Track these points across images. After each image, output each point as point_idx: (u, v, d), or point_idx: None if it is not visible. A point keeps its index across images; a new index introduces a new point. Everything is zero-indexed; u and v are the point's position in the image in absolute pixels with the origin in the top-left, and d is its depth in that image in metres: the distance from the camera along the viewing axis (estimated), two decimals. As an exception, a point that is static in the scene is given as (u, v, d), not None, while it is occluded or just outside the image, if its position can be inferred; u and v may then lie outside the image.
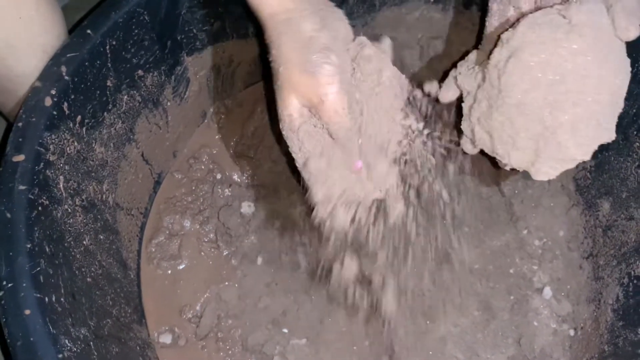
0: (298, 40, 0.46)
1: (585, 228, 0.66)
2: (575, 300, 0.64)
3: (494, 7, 0.54)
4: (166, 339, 0.63)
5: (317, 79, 0.45)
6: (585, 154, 0.49)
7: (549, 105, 0.47)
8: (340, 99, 0.45)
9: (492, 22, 0.54)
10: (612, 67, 0.46)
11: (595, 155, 0.64)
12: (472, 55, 0.56)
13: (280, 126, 0.50)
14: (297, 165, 0.52)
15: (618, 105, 0.48)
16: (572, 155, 0.48)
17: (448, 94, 0.56)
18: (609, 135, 0.48)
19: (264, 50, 0.69)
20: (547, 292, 0.64)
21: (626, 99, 0.59)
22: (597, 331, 0.61)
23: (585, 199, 0.66)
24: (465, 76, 0.54)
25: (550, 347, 0.62)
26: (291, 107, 0.48)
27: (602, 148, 0.62)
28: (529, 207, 0.67)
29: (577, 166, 0.66)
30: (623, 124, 0.60)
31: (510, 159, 0.51)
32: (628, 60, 0.48)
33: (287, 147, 0.51)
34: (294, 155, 0.51)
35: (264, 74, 0.74)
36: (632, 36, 0.46)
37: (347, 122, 0.47)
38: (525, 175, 0.68)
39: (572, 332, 0.63)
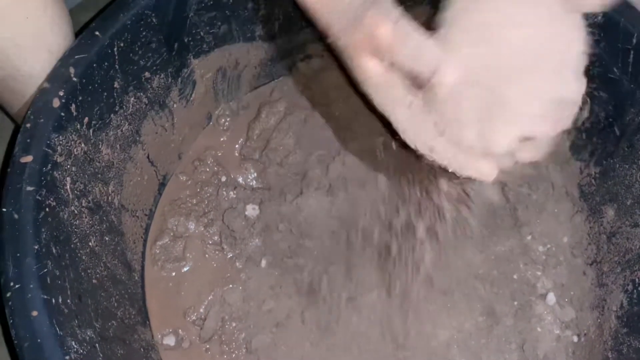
0: (343, 7, 0.45)
1: (589, 234, 0.66)
2: (579, 307, 0.64)
3: None
4: (170, 341, 0.63)
5: (365, 25, 0.43)
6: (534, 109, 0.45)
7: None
8: (387, 23, 0.43)
9: None
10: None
11: (600, 162, 0.64)
12: None
13: (364, 89, 0.48)
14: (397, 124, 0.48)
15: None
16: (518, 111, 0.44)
17: None
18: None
19: (270, 53, 0.69)
20: (551, 298, 0.64)
21: (631, 106, 0.59)
22: (600, 338, 0.61)
23: (590, 206, 0.66)
24: None
25: (553, 353, 0.62)
26: (364, 66, 0.46)
27: (607, 155, 0.63)
28: (533, 213, 0.67)
29: (581, 172, 0.67)
30: (628, 132, 0.60)
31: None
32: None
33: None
34: (380, 108, 0.48)
35: (269, 75, 0.74)
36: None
37: (405, 37, 0.43)
38: (530, 180, 0.68)
39: (575, 339, 0.63)
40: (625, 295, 0.60)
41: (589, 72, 0.61)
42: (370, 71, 0.46)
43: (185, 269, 0.66)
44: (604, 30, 0.59)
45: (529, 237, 0.66)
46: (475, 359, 0.62)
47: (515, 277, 0.65)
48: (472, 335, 0.63)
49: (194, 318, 0.64)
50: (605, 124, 0.62)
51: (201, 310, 0.64)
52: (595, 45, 0.60)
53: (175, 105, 0.67)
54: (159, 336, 0.63)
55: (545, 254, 0.66)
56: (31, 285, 0.44)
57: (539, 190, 0.68)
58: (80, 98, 0.53)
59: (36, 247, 0.46)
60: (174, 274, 0.66)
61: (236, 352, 0.62)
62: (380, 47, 0.44)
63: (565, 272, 0.65)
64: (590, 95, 0.63)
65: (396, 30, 0.43)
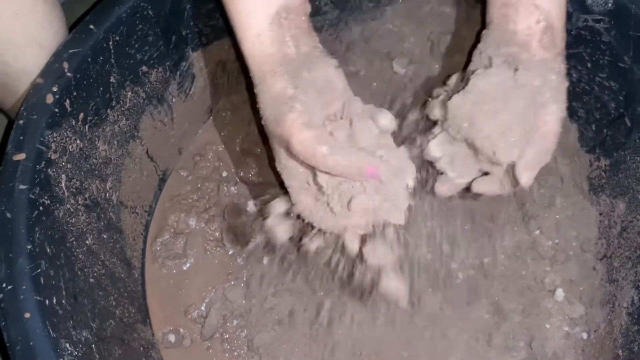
0: (270, 98, 0.49)
1: (599, 229, 0.64)
2: (588, 303, 0.62)
3: (474, 59, 0.56)
4: (171, 339, 0.62)
5: (283, 126, 0.48)
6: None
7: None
8: (302, 134, 0.47)
9: (470, 69, 0.56)
10: None
11: (610, 154, 0.62)
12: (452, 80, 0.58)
13: (275, 165, 0.54)
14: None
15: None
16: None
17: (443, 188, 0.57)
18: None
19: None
20: (560, 294, 0.63)
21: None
22: (611, 335, 0.59)
23: (600, 199, 0.64)
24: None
25: (562, 351, 0.60)
26: (279, 153, 0.52)
27: (618, 147, 0.61)
28: (541, 207, 0.65)
29: (591, 165, 0.65)
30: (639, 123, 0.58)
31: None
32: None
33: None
34: (287, 188, 0.53)
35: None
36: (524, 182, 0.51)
37: (319, 149, 0.47)
38: (538, 174, 0.67)
39: (585, 336, 0.61)
40: (636, 292, 0.58)
41: (598, 63, 0.60)
42: (281, 158, 0.52)
43: (186, 266, 0.65)
44: (614, 18, 0.57)
45: (537, 232, 0.65)
46: (482, 357, 0.60)
47: (523, 272, 0.64)
48: (479, 332, 0.61)
49: (195, 316, 0.63)
50: (616, 115, 0.60)
51: (202, 307, 0.63)
52: (606, 33, 0.58)
53: (174, 100, 0.66)
54: (160, 334, 0.62)
55: (554, 249, 0.64)
56: (24, 287, 0.43)
57: (548, 184, 0.66)
58: (74, 93, 0.52)
59: (29, 247, 0.45)
60: (174, 271, 0.65)
61: (238, 350, 0.61)
62: (293, 152, 0.48)
63: (575, 268, 0.63)
64: (600, 85, 0.61)
65: (307, 142, 0.47)
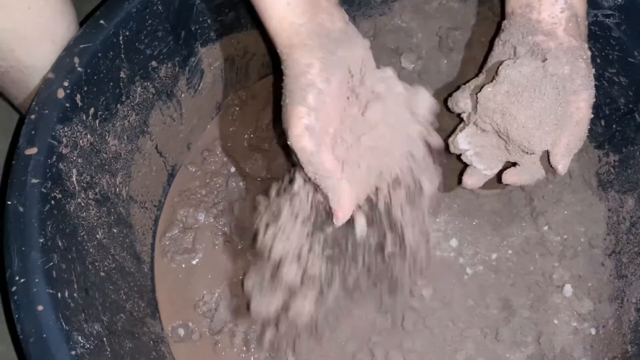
0: (294, 74, 0.47)
1: (608, 224, 0.64)
2: (597, 299, 0.62)
3: (497, 49, 0.56)
4: (180, 333, 0.62)
5: (289, 111, 0.47)
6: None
7: None
8: (302, 138, 0.46)
9: (492, 60, 0.56)
10: None
11: (619, 149, 0.62)
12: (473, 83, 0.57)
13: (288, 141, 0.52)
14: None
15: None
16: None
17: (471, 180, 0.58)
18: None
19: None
20: (568, 289, 0.62)
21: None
22: (619, 331, 0.59)
23: (609, 195, 0.64)
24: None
25: (570, 347, 0.60)
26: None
27: (627, 142, 0.61)
28: (549, 203, 0.65)
29: (600, 160, 0.65)
30: (650, 118, 0.58)
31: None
32: None
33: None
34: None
35: (275, 67, 0.73)
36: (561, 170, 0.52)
37: (308, 166, 0.47)
38: (547, 170, 0.66)
39: (593, 331, 0.61)
40: (645, 288, 0.58)
41: (607, 58, 0.60)
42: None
43: (195, 261, 0.65)
44: (624, 13, 0.57)
45: (546, 228, 0.65)
46: (491, 352, 0.60)
47: (531, 268, 0.64)
48: (487, 327, 0.61)
49: (204, 310, 0.63)
50: (625, 110, 0.60)
51: (211, 302, 0.63)
52: (616, 29, 0.58)
53: (183, 95, 0.66)
54: (169, 328, 0.62)
55: (562, 244, 0.64)
56: (36, 280, 0.43)
57: (556, 179, 0.66)
58: (85, 88, 0.52)
59: (41, 240, 0.45)
60: (183, 265, 0.65)
61: (246, 344, 0.61)
62: (286, 137, 0.48)
63: (583, 263, 0.63)
64: (609, 80, 0.61)
65: (300, 149, 0.47)
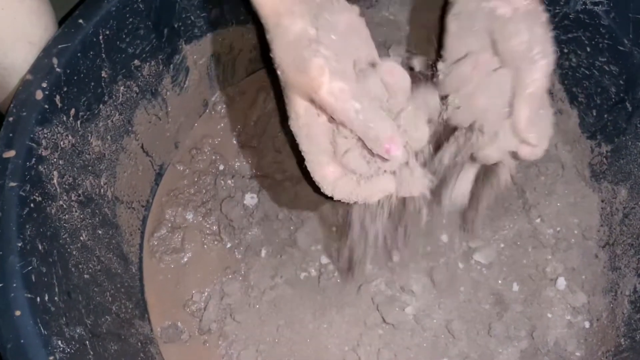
0: (288, 41, 0.45)
1: (601, 216, 0.63)
2: (590, 291, 0.61)
3: (452, 26, 0.54)
4: (169, 333, 0.62)
5: (308, 74, 0.44)
6: None
7: None
8: (334, 85, 0.44)
9: (450, 43, 0.55)
10: None
11: (611, 139, 0.61)
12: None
13: (289, 123, 0.50)
14: (307, 164, 0.50)
15: None
16: None
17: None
18: None
19: (263, 36, 0.67)
20: (561, 282, 0.62)
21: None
22: (613, 323, 0.58)
23: (602, 186, 0.63)
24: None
25: (564, 340, 0.60)
26: (296, 105, 0.48)
27: (619, 132, 0.60)
28: (542, 195, 0.64)
29: (592, 151, 0.64)
30: (641, 107, 0.57)
31: None
32: None
33: (295, 142, 0.50)
34: (304, 154, 0.50)
35: (265, 59, 0.72)
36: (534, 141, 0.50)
37: (352, 103, 0.44)
38: (539, 162, 0.66)
39: (587, 324, 0.60)
40: (638, 279, 0.57)
41: (597, 47, 0.59)
42: (302, 114, 0.47)
43: (184, 260, 0.65)
44: (613, 0, 0.56)
45: (538, 220, 0.64)
46: (483, 347, 0.60)
47: (524, 261, 0.63)
48: (480, 322, 0.61)
49: (193, 309, 0.62)
50: (616, 100, 0.59)
51: (201, 301, 0.63)
52: (605, 16, 0.57)
53: (168, 93, 0.65)
54: (158, 329, 0.62)
55: (555, 237, 0.63)
56: (14, 284, 0.43)
57: (549, 171, 0.65)
58: (65, 89, 0.52)
59: (20, 244, 0.44)
60: (172, 265, 0.65)
61: (235, 343, 0.60)
62: (321, 103, 0.44)
63: (576, 256, 0.63)
64: (600, 69, 0.60)
65: (341, 95, 0.43)
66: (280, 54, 0.46)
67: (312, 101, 0.46)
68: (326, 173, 0.48)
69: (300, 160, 0.56)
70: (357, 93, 0.44)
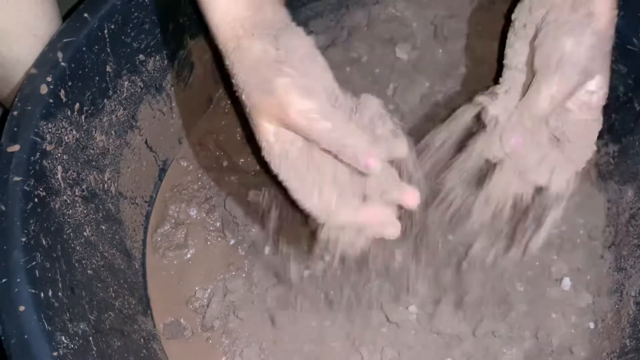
0: (250, 63, 0.44)
1: (607, 216, 0.63)
2: (595, 292, 0.61)
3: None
4: (172, 330, 0.61)
5: (274, 94, 0.43)
6: None
7: None
8: (303, 104, 0.42)
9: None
10: None
11: (619, 139, 0.61)
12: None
13: (262, 154, 0.47)
14: (292, 196, 0.47)
15: None
16: None
17: None
18: None
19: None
20: (566, 283, 0.61)
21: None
22: (618, 324, 0.58)
23: (608, 186, 0.63)
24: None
25: (569, 341, 0.59)
26: (265, 132, 0.45)
27: (626, 132, 0.60)
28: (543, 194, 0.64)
29: (599, 151, 0.64)
30: (649, 107, 0.57)
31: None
32: None
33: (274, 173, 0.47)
34: (284, 183, 0.47)
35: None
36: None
37: (324, 123, 0.42)
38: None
39: (592, 325, 0.60)
40: (644, 280, 0.57)
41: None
42: (274, 141, 0.45)
43: (187, 257, 0.65)
44: (622, -1, 0.56)
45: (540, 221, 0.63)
46: (487, 348, 0.59)
47: (529, 261, 0.62)
48: (484, 322, 0.60)
49: (196, 306, 0.62)
50: (624, 99, 0.59)
51: (204, 298, 0.63)
52: (614, 15, 0.57)
53: (173, 89, 0.65)
54: (161, 325, 0.61)
55: (561, 237, 0.63)
56: (18, 280, 0.42)
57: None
58: (69, 83, 0.51)
59: (24, 239, 0.44)
60: (175, 262, 0.64)
61: (238, 340, 0.60)
62: (292, 124, 0.43)
63: (582, 256, 0.62)
64: (608, 68, 0.59)
65: (311, 114, 0.42)
66: (243, 77, 0.45)
67: (283, 124, 0.44)
68: (316, 202, 0.46)
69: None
70: (327, 111, 0.43)
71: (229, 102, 0.71)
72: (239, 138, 0.69)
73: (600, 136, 0.62)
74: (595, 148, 0.50)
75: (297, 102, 0.42)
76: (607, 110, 0.61)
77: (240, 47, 0.44)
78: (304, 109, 0.42)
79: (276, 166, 0.46)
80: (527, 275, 0.62)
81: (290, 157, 0.45)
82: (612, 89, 0.59)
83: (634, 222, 0.59)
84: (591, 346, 0.59)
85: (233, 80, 0.46)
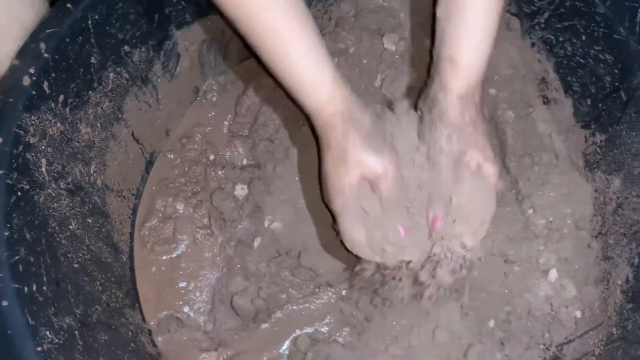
0: (362, 128, 0.54)
1: (594, 206, 0.63)
2: (583, 281, 0.61)
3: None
4: (162, 324, 0.61)
5: (382, 155, 0.53)
6: None
7: None
8: (398, 174, 0.54)
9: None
10: None
11: (606, 129, 0.61)
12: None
13: (331, 194, 0.56)
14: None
15: None
16: None
17: None
18: None
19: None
20: (554, 273, 0.61)
21: (639, 69, 0.56)
22: (605, 313, 0.58)
23: (595, 176, 0.63)
24: None
25: (556, 330, 0.60)
26: (352, 177, 0.54)
27: (613, 122, 0.60)
28: (535, 185, 0.64)
29: (586, 141, 0.64)
30: (635, 97, 0.57)
31: None
32: None
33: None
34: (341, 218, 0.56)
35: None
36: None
37: (400, 194, 0.54)
38: (533, 151, 0.65)
39: (579, 314, 0.60)
40: (631, 269, 0.57)
41: (593, 35, 0.58)
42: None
43: (176, 251, 0.64)
44: (609, -12, 0.56)
45: (530, 211, 0.63)
46: (477, 339, 0.59)
47: (516, 252, 0.62)
48: (473, 314, 0.60)
49: (186, 300, 0.62)
50: (611, 89, 0.59)
51: (193, 293, 0.62)
52: (601, 4, 0.57)
53: (159, 80, 0.64)
54: (151, 320, 0.61)
55: (548, 227, 0.63)
56: (1, 274, 0.42)
57: (542, 161, 0.64)
58: (53, 75, 0.51)
59: (7, 233, 0.44)
60: (165, 256, 0.64)
61: (228, 335, 0.60)
62: (382, 179, 0.54)
63: (569, 246, 0.62)
64: (595, 58, 0.60)
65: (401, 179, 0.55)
66: (354, 137, 0.54)
67: (371, 176, 0.54)
68: (356, 236, 0.55)
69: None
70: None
71: (215, 94, 0.70)
72: (225, 131, 0.69)
73: (587, 126, 0.63)
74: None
75: (394, 169, 0.54)
76: (594, 100, 0.61)
77: (352, 117, 0.54)
78: (397, 176, 0.55)
79: (338, 202, 0.56)
80: (514, 267, 0.62)
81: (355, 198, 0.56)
82: (599, 78, 0.59)
83: (620, 211, 0.59)
84: (578, 335, 0.59)
85: (334, 139, 0.55)
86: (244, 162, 0.67)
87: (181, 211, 0.65)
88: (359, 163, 0.53)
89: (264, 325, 0.60)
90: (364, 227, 0.55)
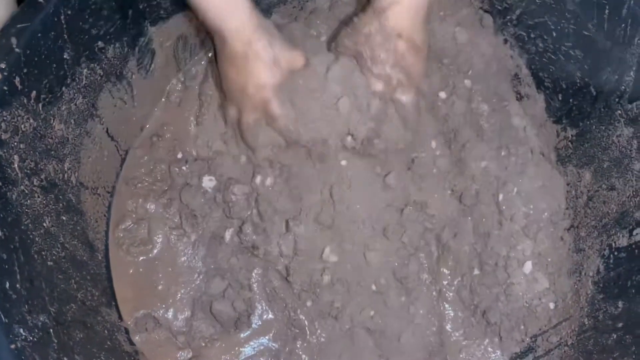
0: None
1: (567, 199, 0.64)
2: (556, 273, 0.62)
3: None
4: (139, 323, 0.60)
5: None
6: None
7: None
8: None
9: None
10: None
11: (576, 123, 0.62)
12: None
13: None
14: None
15: None
16: None
17: None
18: None
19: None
20: (528, 265, 0.62)
21: (607, 65, 0.57)
22: (577, 304, 0.59)
23: (567, 169, 0.64)
24: None
25: (530, 321, 0.61)
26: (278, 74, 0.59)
27: (584, 116, 0.61)
28: (511, 178, 0.64)
29: (558, 135, 0.65)
30: (604, 92, 0.58)
31: None
32: None
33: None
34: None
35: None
36: None
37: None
38: (510, 145, 0.66)
39: (552, 306, 0.61)
40: (601, 261, 0.58)
41: (563, 32, 0.59)
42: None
43: (152, 252, 0.63)
44: (578, -15, 0.57)
45: (506, 204, 0.64)
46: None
47: (491, 245, 0.63)
48: (448, 306, 0.61)
49: (162, 298, 0.61)
50: (581, 84, 0.60)
51: (170, 292, 0.62)
52: (570, 1, 0.58)
53: (134, 76, 0.64)
54: (129, 319, 0.60)
55: (525, 218, 0.63)
56: (-27, 272, 0.41)
57: (519, 152, 0.65)
58: (25, 70, 0.50)
59: (-22, 230, 0.43)
60: (141, 257, 0.63)
61: (205, 332, 0.60)
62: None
63: (543, 239, 0.63)
64: (565, 54, 0.61)
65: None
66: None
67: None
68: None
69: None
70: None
71: (180, 92, 0.69)
72: (191, 128, 0.68)
73: (559, 121, 0.64)
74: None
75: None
76: (565, 95, 0.63)
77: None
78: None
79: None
80: (489, 258, 0.63)
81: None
82: (570, 74, 0.60)
83: (591, 204, 0.61)
84: (551, 326, 0.60)
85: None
86: (210, 153, 0.65)
87: (153, 211, 0.64)
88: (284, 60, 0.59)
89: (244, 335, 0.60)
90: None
